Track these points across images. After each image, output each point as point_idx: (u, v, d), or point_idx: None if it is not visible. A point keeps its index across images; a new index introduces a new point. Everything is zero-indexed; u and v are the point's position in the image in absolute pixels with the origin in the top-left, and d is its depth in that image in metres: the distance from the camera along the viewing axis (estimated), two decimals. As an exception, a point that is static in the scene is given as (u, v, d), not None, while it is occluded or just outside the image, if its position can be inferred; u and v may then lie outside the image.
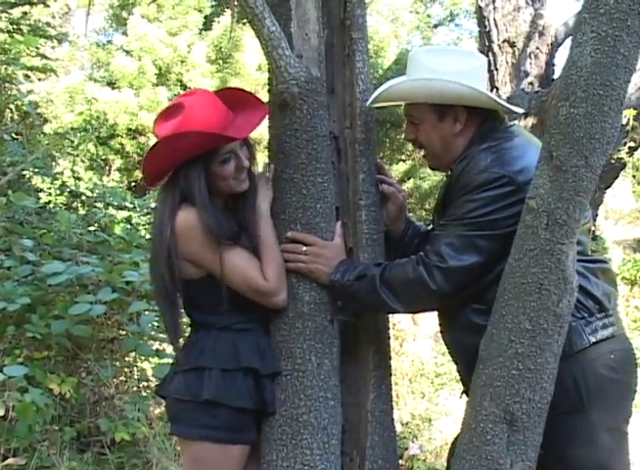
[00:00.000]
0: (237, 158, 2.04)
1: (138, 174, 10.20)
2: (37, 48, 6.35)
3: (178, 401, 2.07)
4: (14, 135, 6.13)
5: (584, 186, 1.70)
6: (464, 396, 2.17)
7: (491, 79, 6.82)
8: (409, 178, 11.10)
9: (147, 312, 3.88)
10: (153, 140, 2.78)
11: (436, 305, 2.11)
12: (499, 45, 6.84)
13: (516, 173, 1.93)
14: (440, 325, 2.22)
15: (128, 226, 5.53)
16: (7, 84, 6.05)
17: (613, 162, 6.34)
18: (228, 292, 2.04)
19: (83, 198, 5.78)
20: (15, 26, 5.69)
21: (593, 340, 1.94)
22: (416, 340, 5.70)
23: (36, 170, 5.78)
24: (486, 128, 2.09)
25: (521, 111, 2.33)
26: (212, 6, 11.62)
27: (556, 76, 6.80)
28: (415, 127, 2.14)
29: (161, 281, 2.04)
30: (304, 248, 2.08)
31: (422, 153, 2.22)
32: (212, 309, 2.08)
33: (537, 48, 6.76)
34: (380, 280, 1.99)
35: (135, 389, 4.30)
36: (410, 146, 11.19)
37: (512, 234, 1.85)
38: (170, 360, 2.63)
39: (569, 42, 1.75)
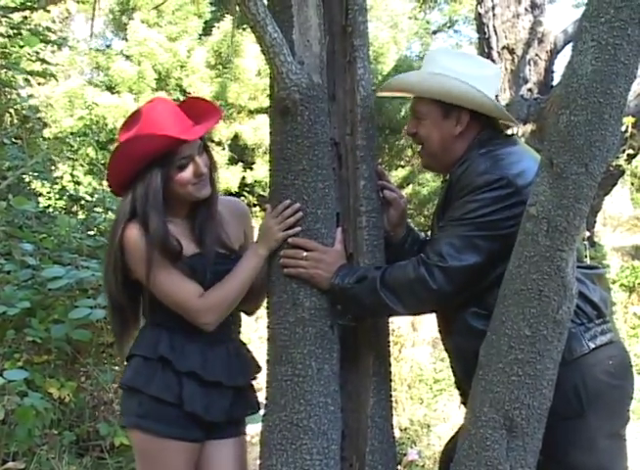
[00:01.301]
0: (194, 164, 2.08)
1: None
2: (37, 52, 6.36)
3: (122, 391, 2.20)
4: (13, 139, 6.12)
5: (584, 193, 1.71)
6: (462, 406, 2.17)
7: (491, 86, 6.83)
8: (408, 184, 11.08)
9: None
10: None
11: (437, 306, 2.11)
12: (498, 52, 6.87)
13: (514, 176, 1.96)
14: (440, 330, 2.23)
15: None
16: (7, 89, 6.04)
17: (611, 169, 6.36)
18: None
19: (83, 202, 5.77)
20: (15, 31, 5.70)
21: (592, 346, 1.95)
22: (415, 346, 5.70)
23: (36, 175, 5.77)
24: (486, 135, 2.12)
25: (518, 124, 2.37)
26: (212, 11, 11.60)
27: (555, 83, 6.82)
28: (417, 122, 2.17)
29: (109, 286, 2.13)
30: (305, 253, 2.08)
31: (419, 148, 2.24)
32: (153, 308, 2.14)
33: (536, 55, 6.78)
34: (380, 281, 2.00)
35: (134, 393, 4.29)
36: (409, 152, 11.21)
37: (511, 235, 1.86)
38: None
39: (568, 49, 1.77)
